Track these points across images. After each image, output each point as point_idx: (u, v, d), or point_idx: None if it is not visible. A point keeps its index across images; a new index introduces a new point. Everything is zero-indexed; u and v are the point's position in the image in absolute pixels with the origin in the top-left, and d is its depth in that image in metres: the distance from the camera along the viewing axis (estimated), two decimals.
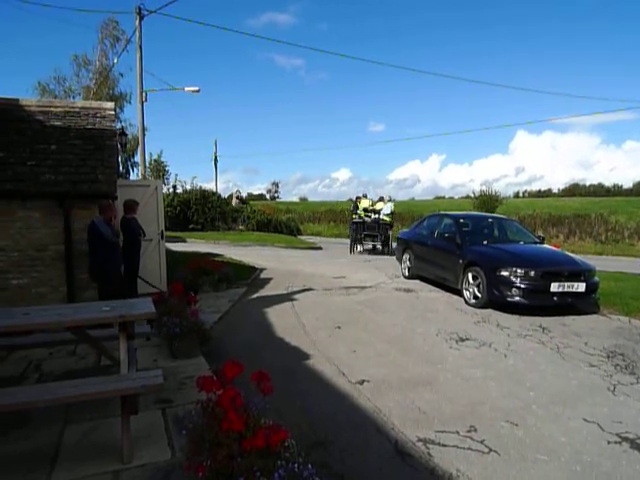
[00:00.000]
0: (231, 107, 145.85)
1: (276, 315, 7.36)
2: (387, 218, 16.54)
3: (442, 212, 13.42)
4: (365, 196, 18.11)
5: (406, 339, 6.17)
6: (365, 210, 17.08)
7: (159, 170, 29.64)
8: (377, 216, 16.63)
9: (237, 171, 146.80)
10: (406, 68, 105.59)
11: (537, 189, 76.63)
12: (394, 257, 12.56)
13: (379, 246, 16.67)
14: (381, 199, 17.79)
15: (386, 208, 16.78)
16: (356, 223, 16.76)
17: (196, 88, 17.06)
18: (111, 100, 18.04)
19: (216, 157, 39.07)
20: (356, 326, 6.79)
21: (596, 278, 7.95)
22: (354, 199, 18.82)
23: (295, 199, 68.90)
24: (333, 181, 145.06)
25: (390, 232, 16.57)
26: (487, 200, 31.17)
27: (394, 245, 14.48)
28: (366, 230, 16.56)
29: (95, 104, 8.79)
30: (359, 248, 17.11)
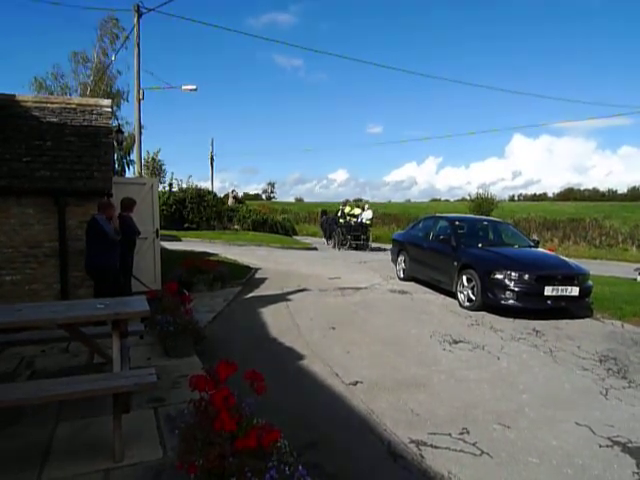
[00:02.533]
0: (230, 106, 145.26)
1: (271, 315, 7.35)
2: (368, 222, 20.34)
3: (437, 214, 13.45)
4: (346, 203, 21.83)
5: (400, 341, 6.18)
6: (348, 215, 20.60)
7: (155, 168, 29.52)
8: (361, 220, 20.19)
9: (235, 170, 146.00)
10: (405, 70, 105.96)
11: (532, 193, 77.10)
12: (386, 257, 12.56)
13: (360, 242, 20.01)
14: (357, 206, 22.15)
15: (368, 214, 20.54)
16: (344, 226, 20.10)
17: (193, 87, 17.03)
18: (108, 98, 17.97)
19: (212, 156, 39.10)
20: (350, 327, 6.80)
21: (590, 282, 7.99)
22: (345, 202, 22.17)
23: (291, 199, 68.85)
24: (330, 182, 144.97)
25: (370, 232, 20.41)
26: (482, 203, 31.26)
27: (372, 245, 20.04)
28: (352, 231, 19.88)
29: (92, 101, 8.76)
30: (344, 242, 20.08)
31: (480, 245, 8.94)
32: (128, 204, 7.23)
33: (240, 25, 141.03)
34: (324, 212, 24.06)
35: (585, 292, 7.75)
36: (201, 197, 26.13)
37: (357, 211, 20.79)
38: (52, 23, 60.06)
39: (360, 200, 22.50)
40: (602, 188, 73.16)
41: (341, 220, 20.42)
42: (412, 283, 10.49)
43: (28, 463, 2.99)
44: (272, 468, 2.27)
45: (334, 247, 20.27)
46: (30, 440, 3.28)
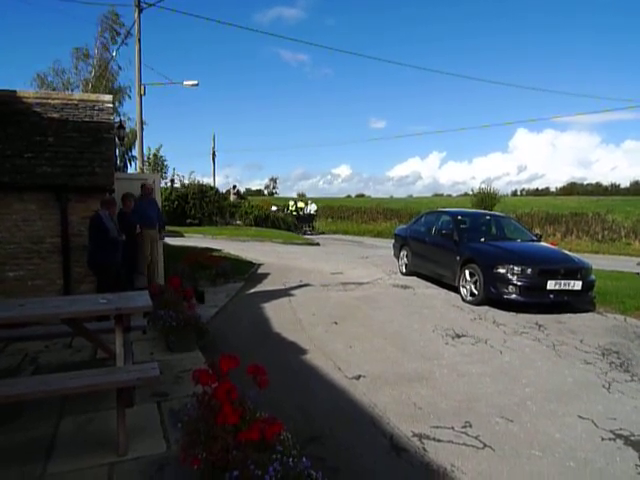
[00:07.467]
0: (234, 101, 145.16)
1: (273, 310, 7.36)
2: (314, 213, 28.09)
3: (440, 209, 13.43)
4: (296, 200, 29.93)
5: (402, 335, 6.18)
6: (299, 208, 27.79)
7: (157, 164, 29.48)
8: (309, 211, 27.66)
9: (240, 166, 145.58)
10: (408, 65, 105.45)
11: (535, 187, 77.04)
12: (387, 253, 12.54)
13: (308, 229, 26.72)
14: (302, 200, 31.18)
15: (313, 207, 28.11)
16: (297, 217, 27.00)
17: (195, 82, 17.00)
18: (110, 93, 17.94)
19: (214, 152, 39.02)
20: (353, 322, 6.80)
21: (592, 276, 7.97)
22: (294, 201, 29.98)
23: (293, 195, 68.65)
24: (334, 177, 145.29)
25: (315, 221, 28.22)
26: (485, 198, 31.19)
27: (318, 230, 27.66)
28: (303, 221, 26.88)
29: (93, 96, 8.74)
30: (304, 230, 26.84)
31: (482, 239, 8.91)
32: (129, 200, 7.25)
33: (247, 20, 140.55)
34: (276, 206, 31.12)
35: (588, 286, 7.74)
36: (203, 193, 26.09)
37: (301, 204, 28.40)
38: (53, 18, 59.92)
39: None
40: (605, 182, 73.04)
41: (294, 213, 27.23)
42: (414, 278, 10.47)
43: (33, 457, 3.00)
44: (275, 460, 2.28)
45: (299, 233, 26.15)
46: (35, 434, 3.30)
